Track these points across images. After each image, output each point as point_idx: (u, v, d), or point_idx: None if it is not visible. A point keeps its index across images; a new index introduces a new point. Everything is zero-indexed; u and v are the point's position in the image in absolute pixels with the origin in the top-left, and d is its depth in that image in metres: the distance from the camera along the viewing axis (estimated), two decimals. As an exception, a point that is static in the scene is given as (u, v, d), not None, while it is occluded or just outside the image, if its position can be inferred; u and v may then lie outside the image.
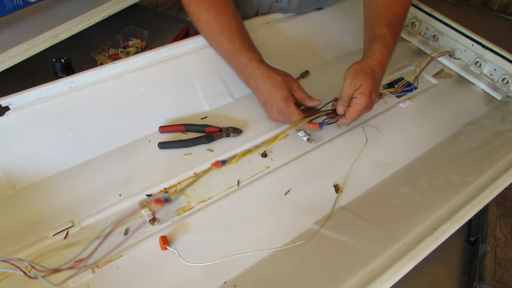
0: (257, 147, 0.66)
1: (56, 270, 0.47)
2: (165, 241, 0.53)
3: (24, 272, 0.44)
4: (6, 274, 0.48)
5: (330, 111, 0.69)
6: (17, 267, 0.44)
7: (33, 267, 0.45)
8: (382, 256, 0.52)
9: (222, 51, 0.71)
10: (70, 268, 0.48)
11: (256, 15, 0.85)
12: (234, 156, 0.64)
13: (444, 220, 0.56)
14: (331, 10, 0.88)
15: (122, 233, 0.54)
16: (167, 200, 0.55)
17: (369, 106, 0.67)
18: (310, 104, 0.68)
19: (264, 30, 0.81)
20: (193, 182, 0.60)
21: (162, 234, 0.54)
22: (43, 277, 0.45)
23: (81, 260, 0.49)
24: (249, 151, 0.65)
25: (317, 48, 0.87)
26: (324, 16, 0.87)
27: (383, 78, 0.70)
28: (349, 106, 0.66)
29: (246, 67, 0.68)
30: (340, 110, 0.66)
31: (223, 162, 0.62)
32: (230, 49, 0.69)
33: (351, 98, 0.66)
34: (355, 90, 0.65)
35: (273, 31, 0.82)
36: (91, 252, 0.49)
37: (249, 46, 0.69)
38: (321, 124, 0.67)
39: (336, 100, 0.68)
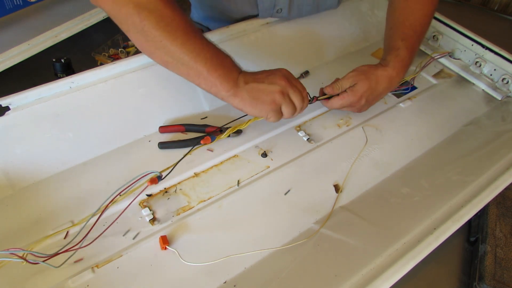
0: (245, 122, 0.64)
1: (54, 254, 0.48)
2: (165, 241, 0.53)
3: (25, 259, 0.45)
4: (5, 263, 0.49)
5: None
6: (16, 255, 0.45)
7: (32, 254, 0.46)
8: (382, 256, 0.52)
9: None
10: (67, 250, 0.49)
11: None
12: (222, 132, 0.64)
13: (444, 219, 0.56)
14: (331, 10, 0.88)
15: (122, 233, 0.54)
16: (160, 178, 0.54)
17: (355, 106, 0.68)
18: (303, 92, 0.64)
19: (264, 31, 0.81)
20: (187, 153, 0.59)
21: (162, 234, 0.54)
22: (43, 261, 0.46)
23: (77, 245, 0.50)
24: (239, 125, 0.64)
25: (317, 48, 0.87)
26: (324, 17, 0.87)
27: (391, 91, 0.71)
28: (337, 94, 0.68)
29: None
30: (326, 89, 0.69)
31: (213, 138, 0.62)
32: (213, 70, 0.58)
33: (344, 91, 0.68)
34: (350, 86, 0.67)
35: (273, 32, 0.82)
36: (87, 232, 0.51)
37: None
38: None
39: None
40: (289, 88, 0.60)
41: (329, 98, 0.69)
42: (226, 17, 0.82)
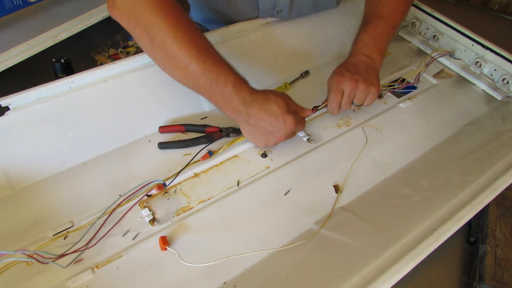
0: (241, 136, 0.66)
1: (62, 255, 0.49)
2: (165, 242, 0.53)
3: (35, 258, 0.46)
4: (14, 263, 0.49)
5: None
6: (25, 254, 0.45)
7: (39, 255, 0.46)
8: (382, 256, 0.52)
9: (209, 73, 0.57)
10: (74, 251, 0.50)
11: None
12: (221, 147, 0.65)
13: (444, 220, 0.56)
14: (331, 10, 0.87)
15: (122, 233, 0.54)
16: (165, 185, 0.57)
17: (357, 87, 0.66)
18: (304, 115, 0.67)
19: (264, 31, 0.81)
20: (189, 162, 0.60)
21: (162, 234, 0.54)
22: (53, 261, 0.47)
23: (84, 246, 0.51)
24: (238, 138, 0.66)
25: (317, 48, 0.87)
26: (324, 16, 0.87)
27: (376, 58, 0.70)
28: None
29: (240, 92, 0.59)
30: (331, 112, 0.69)
31: (211, 154, 0.64)
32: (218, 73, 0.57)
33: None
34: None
35: (273, 32, 0.82)
36: (95, 233, 0.52)
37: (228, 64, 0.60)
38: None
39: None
40: (295, 129, 0.63)
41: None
42: (225, 19, 0.82)
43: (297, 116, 0.64)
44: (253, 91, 0.60)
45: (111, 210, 0.54)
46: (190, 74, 0.56)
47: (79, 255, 0.51)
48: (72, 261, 0.50)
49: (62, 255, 0.49)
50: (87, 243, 0.52)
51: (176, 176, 0.59)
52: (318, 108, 0.69)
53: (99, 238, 0.53)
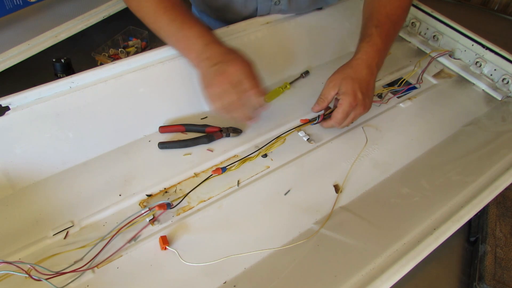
0: (258, 152, 0.65)
1: (59, 273, 0.47)
2: (165, 241, 0.53)
3: (29, 275, 0.44)
4: (7, 275, 0.49)
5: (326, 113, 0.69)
6: (21, 268, 0.44)
7: (35, 269, 0.45)
8: (382, 256, 0.52)
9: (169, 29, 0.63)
10: (73, 271, 0.49)
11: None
12: (234, 164, 0.63)
13: (444, 220, 0.56)
14: (331, 10, 0.88)
15: (122, 233, 0.54)
16: (169, 206, 0.56)
17: (356, 105, 0.64)
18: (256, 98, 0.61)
19: (264, 30, 0.81)
20: (197, 186, 0.60)
21: (162, 234, 0.54)
22: (46, 279, 0.45)
23: (84, 266, 0.50)
24: (249, 158, 0.64)
25: (317, 48, 0.87)
26: (324, 16, 0.87)
27: (375, 78, 0.67)
28: (329, 111, 0.66)
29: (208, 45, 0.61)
30: (314, 108, 0.68)
31: (223, 170, 0.61)
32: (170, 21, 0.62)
33: (336, 100, 0.66)
34: (337, 92, 0.65)
35: (273, 31, 0.82)
36: (95, 255, 0.50)
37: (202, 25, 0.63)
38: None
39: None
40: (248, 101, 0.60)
41: (325, 116, 0.69)
42: (222, 14, 0.82)
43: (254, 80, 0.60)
44: (217, 41, 0.61)
45: (115, 231, 0.53)
46: (158, 22, 0.63)
47: (79, 276, 0.50)
48: (69, 282, 0.49)
49: (61, 273, 0.48)
50: (88, 263, 0.50)
51: (182, 199, 0.58)
52: (325, 114, 0.69)
53: (101, 256, 0.52)
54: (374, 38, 0.67)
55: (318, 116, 0.70)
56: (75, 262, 0.51)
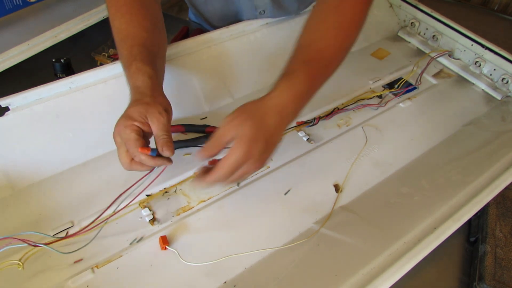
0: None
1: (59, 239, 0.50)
2: (165, 241, 0.53)
3: (28, 243, 0.47)
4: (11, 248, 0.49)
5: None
6: (18, 239, 0.46)
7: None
8: (382, 255, 0.52)
9: (121, 59, 0.57)
10: (76, 233, 0.51)
11: None
12: None
13: (444, 219, 0.55)
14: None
15: (122, 233, 0.54)
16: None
17: (248, 160, 0.49)
18: (160, 149, 0.49)
19: (264, 31, 0.81)
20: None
21: (162, 234, 0.54)
22: (44, 244, 0.48)
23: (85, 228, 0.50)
24: None
25: (317, 48, 0.87)
26: (324, 16, 0.87)
27: (286, 128, 0.52)
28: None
29: (133, 75, 0.53)
30: (199, 154, 0.50)
31: None
32: (126, 55, 0.55)
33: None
34: (233, 137, 0.49)
35: (273, 32, 0.82)
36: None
37: (149, 60, 0.54)
38: (153, 151, 0.49)
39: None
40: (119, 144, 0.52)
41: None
42: (209, 20, 0.82)
43: (127, 131, 0.49)
44: (139, 90, 0.52)
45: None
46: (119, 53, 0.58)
47: (80, 247, 0.51)
48: (74, 251, 0.50)
49: (67, 237, 0.50)
50: (86, 227, 0.51)
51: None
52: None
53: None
54: (298, 77, 0.52)
55: (314, 118, 0.70)
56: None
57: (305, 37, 0.57)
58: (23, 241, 0.47)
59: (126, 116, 0.49)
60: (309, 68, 0.54)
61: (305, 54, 0.55)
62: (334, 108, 0.74)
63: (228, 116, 0.50)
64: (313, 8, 0.60)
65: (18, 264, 0.49)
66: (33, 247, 0.48)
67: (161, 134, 0.49)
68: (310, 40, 0.57)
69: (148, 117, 0.49)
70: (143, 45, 0.56)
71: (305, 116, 0.72)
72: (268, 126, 0.50)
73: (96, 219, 0.52)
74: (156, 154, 0.49)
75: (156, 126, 0.49)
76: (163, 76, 0.59)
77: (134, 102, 0.51)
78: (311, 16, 0.59)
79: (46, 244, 0.48)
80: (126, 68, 0.55)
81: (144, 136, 0.50)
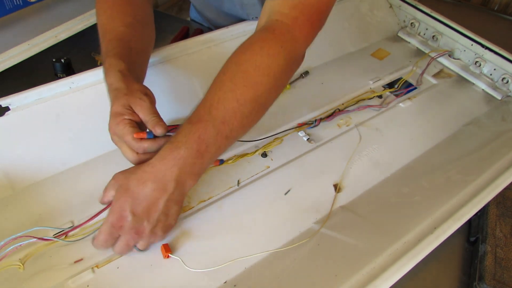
0: (255, 150, 0.65)
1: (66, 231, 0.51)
2: (167, 249, 0.52)
3: (38, 238, 0.48)
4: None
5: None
6: (28, 236, 0.47)
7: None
8: (382, 255, 0.51)
9: (101, 56, 0.56)
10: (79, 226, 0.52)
11: None
12: (232, 157, 0.64)
13: (444, 219, 0.55)
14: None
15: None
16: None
17: (122, 228, 0.46)
18: (153, 130, 0.49)
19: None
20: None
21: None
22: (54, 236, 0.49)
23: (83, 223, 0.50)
24: (246, 154, 0.65)
25: (317, 49, 0.86)
26: (324, 16, 0.87)
27: (177, 194, 0.47)
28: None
29: (106, 73, 0.52)
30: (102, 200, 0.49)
31: (221, 162, 0.63)
32: (103, 51, 0.55)
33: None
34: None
35: (273, 31, 0.82)
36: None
37: (122, 53, 0.53)
38: (149, 134, 0.49)
39: None
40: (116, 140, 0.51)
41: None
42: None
43: (119, 127, 0.49)
44: (116, 75, 0.51)
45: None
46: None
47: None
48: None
49: (72, 229, 0.51)
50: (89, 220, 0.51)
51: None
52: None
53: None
54: (198, 131, 0.46)
55: (316, 119, 0.70)
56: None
57: (229, 81, 0.50)
58: (32, 237, 0.48)
59: (113, 114, 0.49)
60: (217, 123, 0.47)
61: (215, 102, 0.48)
62: (335, 110, 0.74)
63: (115, 174, 0.49)
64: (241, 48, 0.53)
65: (19, 266, 0.49)
66: (43, 241, 0.49)
67: (148, 117, 0.49)
68: (229, 87, 0.49)
69: (131, 106, 0.49)
70: (119, 40, 0.55)
71: (305, 116, 0.73)
72: (142, 195, 0.46)
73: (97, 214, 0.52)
74: (153, 136, 0.49)
75: (141, 112, 0.49)
76: (143, 70, 0.59)
77: (113, 99, 0.50)
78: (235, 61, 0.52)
79: (55, 236, 0.49)
80: (103, 65, 0.54)
81: (139, 126, 0.50)
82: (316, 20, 0.52)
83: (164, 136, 0.49)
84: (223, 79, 0.50)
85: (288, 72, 0.54)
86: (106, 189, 0.49)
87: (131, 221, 0.46)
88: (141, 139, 0.48)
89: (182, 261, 0.51)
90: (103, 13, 0.59)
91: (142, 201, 0.46)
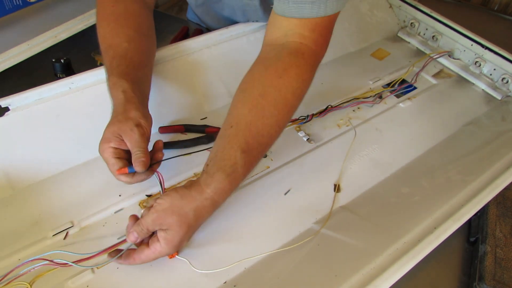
0: None
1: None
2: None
3: (53, 262, 0.47)
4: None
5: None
6: (43, 259, 0.47)
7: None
8: (382, 255, 0.51)
9: (104, 68, 0.58)
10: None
11: None
12: None
13: (444, 219, 0.55)
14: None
15: (122, 233, 0.54)
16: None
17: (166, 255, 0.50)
18: (133, 164, 0.50)
19: (263, 32, 0.80)
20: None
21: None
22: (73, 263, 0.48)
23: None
24: None
25: (317, 48, 0.87)
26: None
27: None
28: (147, 246, 0.48)
29: (110, 91, 0.55)
30: (131, 238, 0.49)
31: None
32: (106, 66, 0.57)
33: (157, 240, 0.48)
34: (160, 229, 0.48)
35: (273, 31, 0.82)
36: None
37: (125, 72, 0.55)
38: (130, 168, 0.50)
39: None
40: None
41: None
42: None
43: (104, 155, 0.51)
44: (114, 108, 0.53)
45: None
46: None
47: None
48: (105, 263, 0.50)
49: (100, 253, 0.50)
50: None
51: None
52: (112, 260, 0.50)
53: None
54: (236, 170, 0.49)
55: (307, 115, 0.70)
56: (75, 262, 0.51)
57: (244, 113, 0.51)
58: (47, 260, 0.47)
59: (103, 139, 0.51)
60: (248, 156, 0.49)
61: (242, 140, 0.49)
62: (327, 106, 0.74)
63: (159, 210, 0.48)
64: (252, 72, 0.55)
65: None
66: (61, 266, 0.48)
67: (134, 150, 0.50)
68: (250, 121, 0.50)
69: (121, 134, 0.50)
70: (123, 57, 0.56)
71: (298, 113, 0.72)
72: (193, 227, 0.50)
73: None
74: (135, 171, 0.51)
75: (129, 143, 0.50)
76: (147, 84, 0.60)
77: (110, 121, 0.52)
78: (248, 83, 0.53)
79: (75, 262, 0.48)
80: (107, 79, 0.56)
81: (126, 153, 0.52)
82: (329, 36, 0.57)
83: (144, 172, 0.51)
84: (262, 104, 0.51)
85: None
86: (150, 220, 0.48)
87: (177, 249, 0.50)
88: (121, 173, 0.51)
89: (189, 262, 0.51)
90: (106, 26, 0.59)
91: (191, 230, 0.50)
